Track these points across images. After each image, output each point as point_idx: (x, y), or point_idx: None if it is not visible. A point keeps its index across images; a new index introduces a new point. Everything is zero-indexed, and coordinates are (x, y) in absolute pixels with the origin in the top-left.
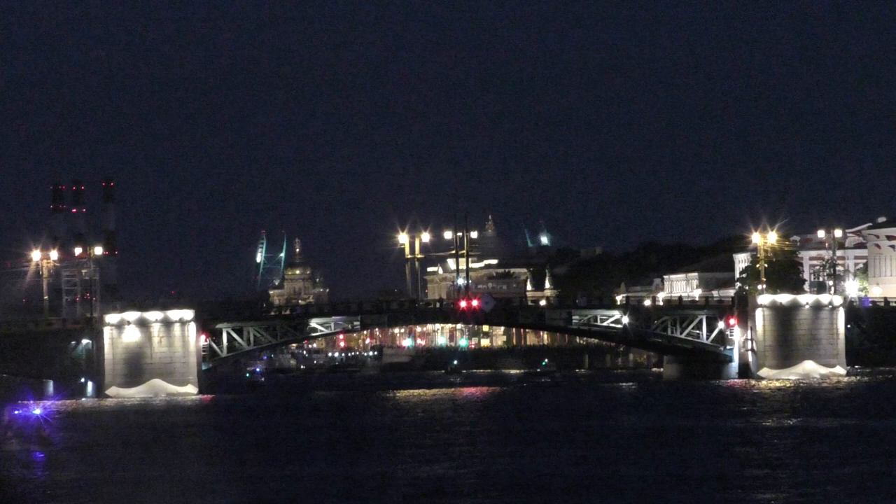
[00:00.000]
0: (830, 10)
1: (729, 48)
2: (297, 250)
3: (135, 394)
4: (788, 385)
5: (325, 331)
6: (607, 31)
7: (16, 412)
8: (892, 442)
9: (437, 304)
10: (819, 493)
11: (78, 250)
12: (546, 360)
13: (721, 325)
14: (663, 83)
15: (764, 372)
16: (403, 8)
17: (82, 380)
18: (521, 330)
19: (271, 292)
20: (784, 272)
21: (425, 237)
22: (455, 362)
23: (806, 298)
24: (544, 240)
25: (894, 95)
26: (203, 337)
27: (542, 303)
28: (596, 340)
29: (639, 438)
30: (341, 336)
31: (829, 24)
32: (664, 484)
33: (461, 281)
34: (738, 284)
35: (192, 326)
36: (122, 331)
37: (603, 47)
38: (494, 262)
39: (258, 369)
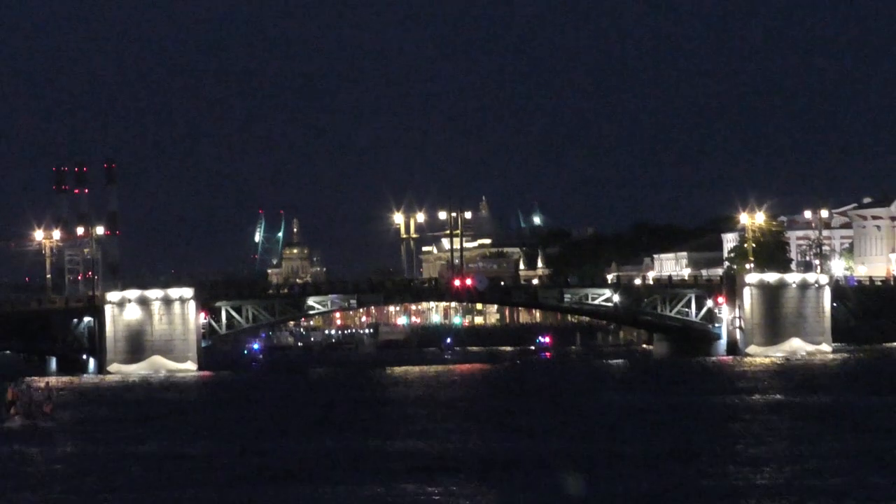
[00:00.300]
0: None
1: (716, 34)
2: (295, 230)
3: (136, 370)
4: (776, 362)
5: (323, 309)
6: (599, 21)
7: (19, 388)
8: (875, 417)
9: (432, 283)
10: (803, 466)
11: (80, 230)
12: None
13: (710, 303)
14: (654, 70)
15: (752, 349)
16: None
17: (84, 357)
18: (515, 308)
19: (269, 271)
20: (771, 252)
21: (420, 217)
22: (448, 340)
23: (793, 277)
24: (537, 220)
25: (879, 79)
26: (202, 315)
27: (535, 282)
28: (587, 318)
29: (630, 414)
30: (338, 314)
31: (816, 7)
32: (656, 458)
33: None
34: (726, 264)
35: (192, 304)
36: (123, 309)
37: (594, 36)
38: (488, 241)
39: (256, 347)
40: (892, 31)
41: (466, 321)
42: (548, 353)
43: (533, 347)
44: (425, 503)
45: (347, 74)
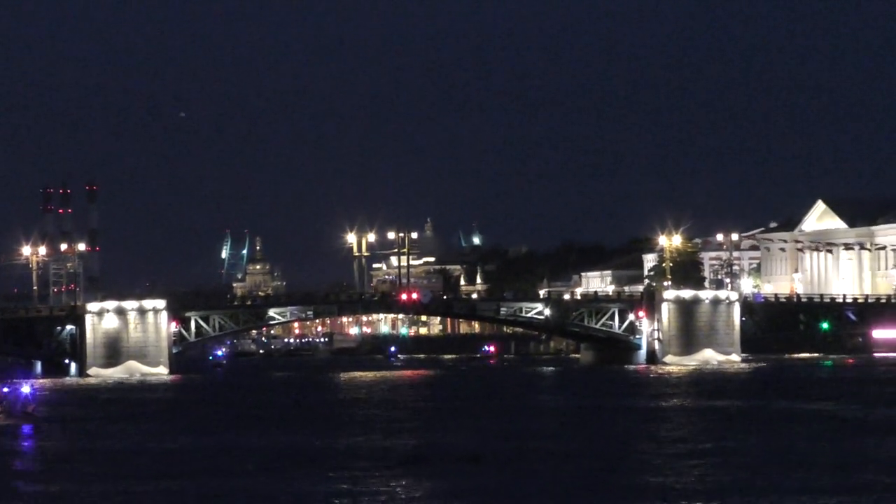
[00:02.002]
0: (708, 29)
1: (638, 61)
2: (258, 248)
3: (113, 374)
4: (690, 370)
5: (282, 319)
6: (532, 52)
7: (5, 389)
8: (778, 419)
9: (381, 296)
10: (712, 462)
11: (64, 246)
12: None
13: (631, 316)
14: (583, 102)
15: (668, 358)
16: (358, 26)
17: (66, 361)
18: (456, 320)
19: (235, 285)
20: (687, 270)
21: (371, 237)
22: (393, 348)
23: (706, 294)
24: (476, 240)
25: (780, 109)
26: (174, 323)
27: (474, 296)
28: (521, 329)
29: (557, 415)
30: (296, 324)
31: (714, 41)
32: (579, 454)
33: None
34: (646, 281)
35: (164, 314)
36: (102, 318)
37: (528, 66)
38: (432, 259)
39: (220, 353)
40: (798, 73)
41: (413, 331)
42: (492, 361)
43: (479, 355)
44: (374, 493)
45: (305, 107)
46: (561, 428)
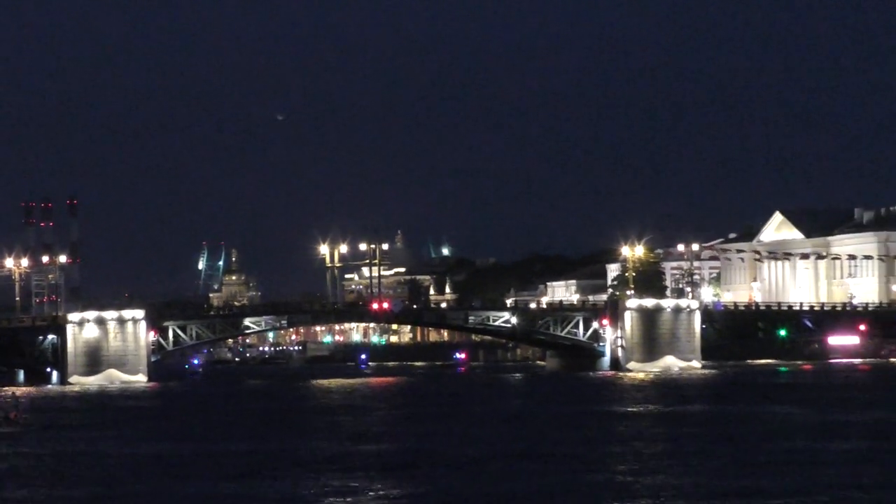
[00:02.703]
0: (673, 41)
1: (602, 78)
2: (234, 259)
3: (93, 382)
4: (652, 376)
5: (257, 328)
6: (496, 63)
7: None
8: (736, 423)
9: (353, 306)
10: (671, 465)
11: (46, 258)
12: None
13: (595, 324)
14: (546, 115)
15: (631, 365)
16: (327, 37)
17: (49, 369)
18: (425, 328)
19: (211, 295)
20: (649, 280)
21: (343, 248)
22: (363, 356)
23: (668, 303)
24: (445, 251)
25: (739, 124)
26: (152, 333)
27: (444, 305)
28: (489, 337)
29: (524, 420)
30: (271, 333)
31: (676, 57)
32: (548, 457)
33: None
34: (610, 290)
35: (143, 324)
36: (82, 327)
37: (492, 78)
38: (403, 270)
39: (196, 361)
40: (756, 88)
41: (384, 339)
42: (463, 368)
43: (450, 363)
44: (345, 496)
45: (279, 122)
46: (530, 432)
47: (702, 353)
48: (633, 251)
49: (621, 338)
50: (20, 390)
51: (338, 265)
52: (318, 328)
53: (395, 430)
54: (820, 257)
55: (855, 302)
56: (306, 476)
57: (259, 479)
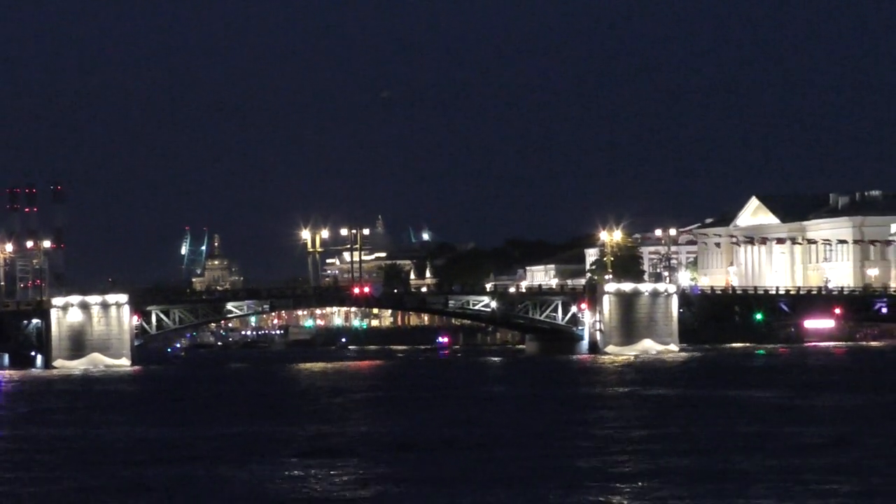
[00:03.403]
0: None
1: (579, 63)
2: (217, 244)
3: (77, 365)
4: (630, 359)
5: (240, 312)
6: (472, 52)
7: None
8: (715, 406)
9: (334, 290)
10: (643, 448)
11: (30, 244)
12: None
13: (574, 308)
14: (524, 101)
15: (610, 348)
16: (309, 27)
17: (33, 353)
18: (406, 313)
19: (194, 280)
20: (627, 264)
21: (325, 233)
22: (343, 339)
23: (645, 287)
24: (426, 236)
25: (715, 110)
26: (135, 317)
27: (424, 289)
28: (469, 321)
29: (503, 403)
30: (253, 317)
31: (651, 43)
32: (528, 440)
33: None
34: (588, 275)
35: (126, 308)
36: (66, 312)
37: (470, 63)
38: (383, 254)
39: (177, 345)
40: (731, 74)
41: (365, 323)
42: (446, 352)
43: (432, 346)
44: (328, 480)
45: (260, 107)
46: (510, 415)
47: (679, 336)
48: (612, 236)
49: (599, 321)
50: (5, 373)
51: (319, 250)
52: (299, 312)
53: (378, 413)
54: (795, 242)
55: (830, 286)
56: (286, 459)
57: (238, 462)
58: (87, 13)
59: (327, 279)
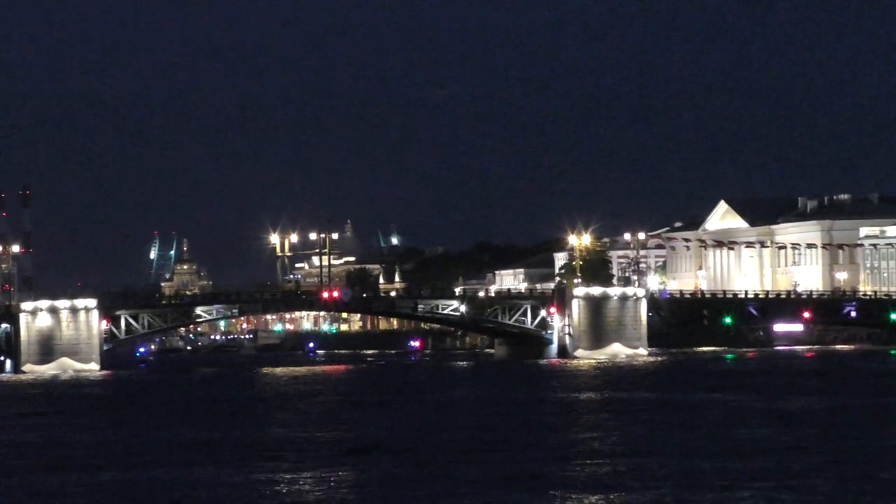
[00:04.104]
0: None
1: (550, 67)
2: (185, 249)
3: (46, 370)
4: (599, 363)
5: (209, 317)
6: (444, 54)
7: None
8: (680, 410)
9: (303, 294)
10: (610, 452)
11: None
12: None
13: (543, 312)
14: (494, 106)
15: (579, 352)
16: (275, 28)
17: (2, 358)
18: (375, 317)
19: (163, 284)
20: (596, 268)
21: (294, 238)
22: (311, 344)
23: (614, 291)
24: (394, 241)
25: (684, 115)
26: (104, 322)
27: (393, 294)
28: (438, 325)
29: (471, 407)
30: (222, 321)
31: (622, 47)
32: (498, 445)
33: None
34: (557, 278)
35: (95, 313)
36: (35, 316)
37: (440, 68)
38: (352, 259)
39: (144, 351)
40: (701, 80)
41: (335, 328)
42: (417, 356)
43: (403, 350)
44: (296, 484)
45: (229, 112)
46: (480, 419)
47: (648, 340)
48: (580, 240)
49: (569, 325)
50: None
51: (288, 254)
52: (268, 317)
53: (346, 417)
54: (764, 246)
55: (799, 289)
56: (256, 463)
57: (209, 466)
58: (52, 18)
59: (289, 283)
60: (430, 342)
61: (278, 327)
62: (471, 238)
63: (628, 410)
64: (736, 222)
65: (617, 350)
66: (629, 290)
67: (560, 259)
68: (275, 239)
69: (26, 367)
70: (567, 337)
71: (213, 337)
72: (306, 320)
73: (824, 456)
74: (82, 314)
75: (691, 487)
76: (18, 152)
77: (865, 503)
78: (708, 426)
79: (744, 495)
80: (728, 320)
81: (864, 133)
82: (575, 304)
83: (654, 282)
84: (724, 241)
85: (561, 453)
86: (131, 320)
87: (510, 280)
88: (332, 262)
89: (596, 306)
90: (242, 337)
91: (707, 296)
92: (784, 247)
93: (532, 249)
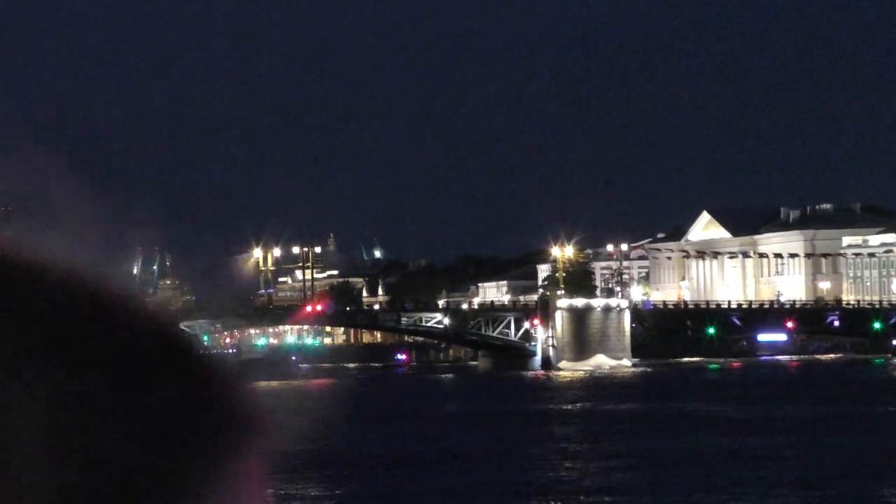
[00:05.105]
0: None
1: (527, 78)
2: (168, 264)
3: None
4: (583, 375)
5: (192, 332)
6: (418, 65)
7: None
8: (664, 421)
9: (286, 308)
10: (602, 464)
11: None
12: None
13: (527, 324)
14: (475, 118)
15: (563, 364)
16: (248, 39)
17: None
18: (358, 330)
19: (147, 300)
20: (579, 280)
21: (277, 252)
22: (294, 357)
23: (598, 302)
24: (377, 254)
25: (665, 127)
26: None
27: (376, 307)
28: (422, 338)
29: (455, 420)
30: (206, 336)
31: (602, 58)
32: (484, 456)
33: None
34: (540, 290)
35: None
36: None
37: (416, 79)
38: (335, 272)
39: None
40: (681, 91)
41: (318, 341)
42: (405, 369)
43: (390, 364)
44: (283, 499)
45: (208, 125)
46: (466, 431)
47: (632, 351)
48: (563, 252)
49: (552, 337)
50: None
51: (271, 269)
52: (252, 331)
53: (330, 430)
54: (747, 256)
55: (782, 299)
56: None
57: None
58: (16, 26)
59: (262, 298)
60: (414, 355)
61: (262, 342)
62: (454, 251)
63: (613, 421)
64: (718, 233)
65: (601, 361)
66: (612, 302)
67: (543, 271)
68: (258, 253)
69: None
70: (551, 349)
71: None
72: (290, 334)
73: (808, 462)
74: None
75: (677, 495)
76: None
77: None
78: (693, 435)
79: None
80: (711, 330)
81: (846, 144)
82: (558, 315)
83: (637, 293)
84: (706, 252)
85: (546, 464)
86: None
87: (493, 292)
88: (316, 275)
89: (579, 318)
90: (226, 351)
91: (690, 306)
92: (767, 256)
93: (515, 262)
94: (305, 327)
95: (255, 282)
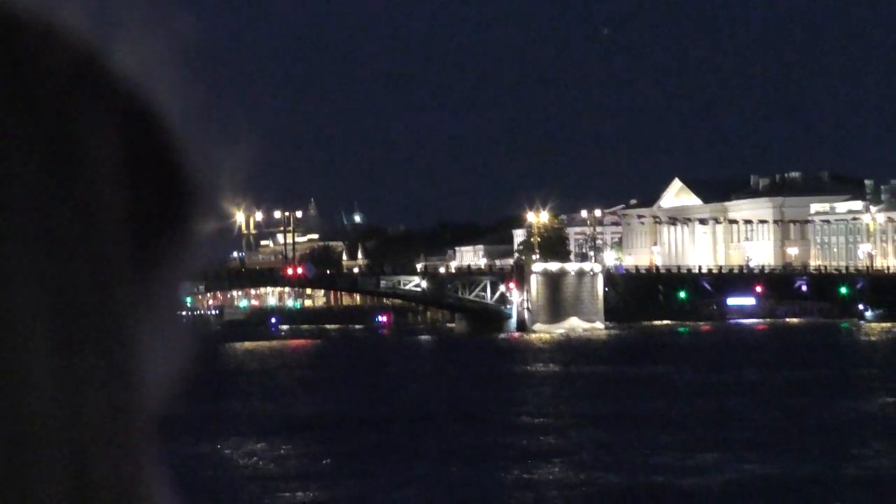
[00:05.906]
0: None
1: (507, 46)
2: None
3: None
4: (557, 337)
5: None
6: (397, 31)
7: None
8: (635, 383)
9: (268, 271)
10: (565, 424)
11: None
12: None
13: (502, 288)
14: (453, 86)
15: (537, 326)
16: (244, 22)
17: None
18: (338, 293)
19: None
20: (553, 245)
21: (258, 216)
22: (273, 319)
23: (572, 266)
24: (357, 218)
25: (639, 96)
26: None
27: (356, 270)
28: (400, 301)
29: (431, 380)
30: (188, 298)
31: (577, 29)
32: (459, 418)
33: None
34: (516, 255)
35: None
36: None
37: (396, 45)
38: (316, 236)
39: None
40: (655, 61)
41: (299, 303)
42: (385, 331)
43: (371, 326)
44: (265, 458)
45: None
46: (438, 393)
47: (605, 314)
48: (539, 217)
49: (527, 300)
50: None
51: (253, 232)
52: (234, 293)
53: (306, 391)
54: (717, 222)
55: (751, 265)
56: (224, 438)
57: (177, 441)
58: None
59: (234, 261)
60: (392, 317)
61: (244, 303)
62: (432, 217)
63: (586, 383)
64: (690, 199)
65: (574, 324)
66: (586, 266)
67: (519, 236)
68: (240, 217)
69: None
70: (526, 311)
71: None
72: (271, 296)
73: (784, 426)
74: None
75: (651, 456)
76: None
77: (816, 471)
78: (665, 397)
79: (691, 464)
80: (682, 295)
81: (815, 113)
82: (533, 279)
83: (610, 258)
84: (678, 218)
85: (518, 426)
86: None
87: (470, 257)
88: (297, 239)
89: (554, 282)
90: (209, 313)
91: (662, 271)
92: (737, 223)
93: (492, 227)
94: (287, 290)
95: (232, 246)
